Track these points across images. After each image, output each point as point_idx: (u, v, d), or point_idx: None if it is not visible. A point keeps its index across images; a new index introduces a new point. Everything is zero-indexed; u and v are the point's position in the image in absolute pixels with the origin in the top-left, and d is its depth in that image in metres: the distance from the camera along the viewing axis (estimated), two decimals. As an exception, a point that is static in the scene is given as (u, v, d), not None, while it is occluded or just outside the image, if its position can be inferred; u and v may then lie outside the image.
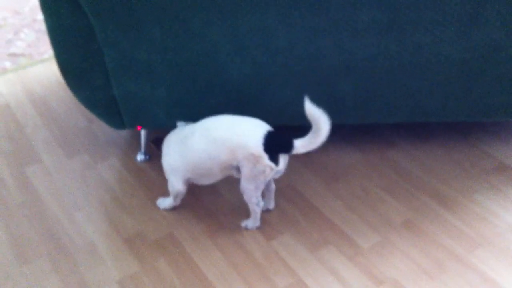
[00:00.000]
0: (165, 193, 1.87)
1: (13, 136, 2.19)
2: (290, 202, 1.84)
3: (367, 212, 1.80)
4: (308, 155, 2.02)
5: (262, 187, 1.62)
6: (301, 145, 1.54)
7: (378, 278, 1.59)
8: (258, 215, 1.71)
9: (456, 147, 2.04)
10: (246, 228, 1.75)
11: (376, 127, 2.15)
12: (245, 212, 1.76)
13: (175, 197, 1.77)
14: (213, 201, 1.85)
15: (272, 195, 1.77)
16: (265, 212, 1.78)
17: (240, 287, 1.57)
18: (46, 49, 2.76)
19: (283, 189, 1.89)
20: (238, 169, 1.61)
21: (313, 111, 1.47)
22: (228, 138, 1.54)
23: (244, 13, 1.56)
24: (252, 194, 1.63)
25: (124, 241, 1.72)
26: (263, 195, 1.74)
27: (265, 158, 1.52)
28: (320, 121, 1.47)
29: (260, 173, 1.56)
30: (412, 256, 1.64)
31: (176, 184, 1.71)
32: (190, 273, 1.62)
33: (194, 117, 1.79)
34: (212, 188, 1.89)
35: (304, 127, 1.57)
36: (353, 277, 1.59)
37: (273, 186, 1.75)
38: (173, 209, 1.82)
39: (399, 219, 1.76)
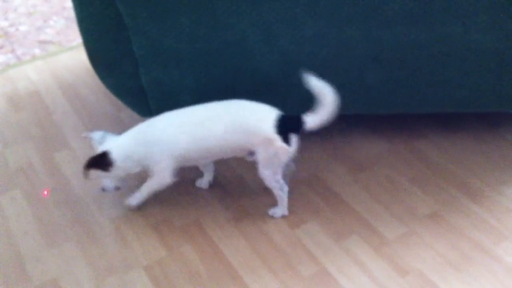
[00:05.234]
0: (193, 177, 1.88)
1: (42, 122, 2.22)
2: (315, 191, 1.84)
3: (393, 202, 1.79)
4: (334, 144, 2.02)
5: (279, 171, 1.63)
6: (312, 120, 1.57)
7: (403, 268, 1.58)
8: (285, 202, 1.72)
9: (486, 138, 2.01)
10: (273, 216, 1.75)
11: (404, 117, 2.12)
12: (270, 201, 1.77)
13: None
14: (238, 189, 1.86)
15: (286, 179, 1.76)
16: (289, 200, 1.78)
17: (264, 275, 1.58)
18: (75, 37, 2.79)
19: (308, 178, 1.88)
20: (252, 153, 1.63)
21: (318, 84, 1.52)
22: (245, 123, 1.56)
23: (272, 2, 1.55)
24: (270, 179, 1.64)
25: (150, 227, 1.74)
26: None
27: (278, 140, 1.54)
28: (326, 91, 1.52)
29: (274, 156, 1.58)
30: (438, 248, 1.63)
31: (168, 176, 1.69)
32: (215, 259, 1.64)
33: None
34: (237, 177, 1.90)
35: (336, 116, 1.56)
36: (377, 267, 1.59)
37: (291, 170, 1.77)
38: (200, 197, 1.84)
39: (426, 210, 1.75)
